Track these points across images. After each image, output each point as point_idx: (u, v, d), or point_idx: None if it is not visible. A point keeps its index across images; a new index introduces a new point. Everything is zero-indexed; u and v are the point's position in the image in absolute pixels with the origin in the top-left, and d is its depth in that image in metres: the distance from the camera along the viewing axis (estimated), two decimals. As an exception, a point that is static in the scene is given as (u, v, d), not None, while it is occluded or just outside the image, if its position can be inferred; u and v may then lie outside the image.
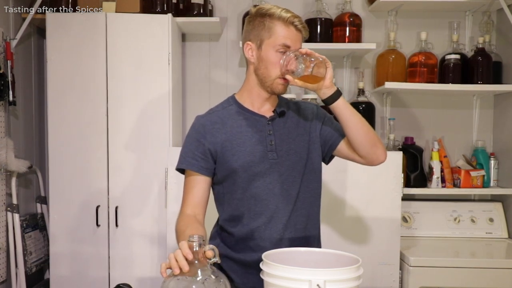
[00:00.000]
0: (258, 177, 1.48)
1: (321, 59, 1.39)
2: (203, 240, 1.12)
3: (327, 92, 1.41)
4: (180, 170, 1.53)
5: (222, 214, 1.57)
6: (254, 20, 1.47)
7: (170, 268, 1.09)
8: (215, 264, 1.12)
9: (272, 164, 1.48)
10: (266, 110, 1.54)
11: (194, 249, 1.09)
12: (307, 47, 2.72)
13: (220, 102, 1.59)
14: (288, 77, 1.41)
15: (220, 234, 1.58)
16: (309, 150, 1.54)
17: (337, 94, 1.42)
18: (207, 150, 1.49)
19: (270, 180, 1.48)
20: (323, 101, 1.44)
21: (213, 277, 1.08)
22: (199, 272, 1.08)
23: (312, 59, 1.38)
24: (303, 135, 1.54)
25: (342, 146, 1.55)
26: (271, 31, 1.43)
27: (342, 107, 1.43)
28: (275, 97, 1.57)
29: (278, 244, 1.46)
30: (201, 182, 1.49)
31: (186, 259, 1.08)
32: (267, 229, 1.48)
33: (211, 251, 1.10)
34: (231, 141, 1.48)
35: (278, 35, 1.43)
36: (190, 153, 1.50)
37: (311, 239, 1.56)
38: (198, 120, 1.55)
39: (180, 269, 1.07)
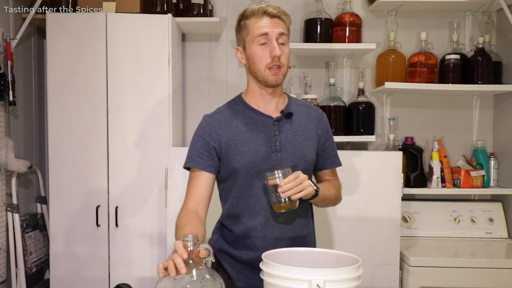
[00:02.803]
0: (259, 177, 1.49)
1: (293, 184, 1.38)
2: (198, 240, 1.12)
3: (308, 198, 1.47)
4: (187, 168, 1.56)
5: (224, 210, 1.60)
6: (237, 27, 1.55)
7: (166, 269, 1.09)
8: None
9: (275, 165, 1.49)
10: (273, 110, 1.55)
11: (189, 248, 1.09)
12: (307, 47, 2.74)
13: (228, 101, 1.63)
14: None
15: (221, 230, 1.61)
16: (312, 153, 1.56)
17: (316, 195, 1.48)
18: (212, 148, 1.52)
19: None
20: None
21: (208, 276, 1.08)
22: (193, 271, 1.08)
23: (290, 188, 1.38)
24: (310, 140, 1.56)
25: (319, 174, 1.65)
26: (248, 29, 1.49)
27: (315, 202, 1.55)
28: (283, 97, 1.59)
29: (273, 244, 1.48)
30: (205, 179, 1.51)
31: (182, 259, 1.08)
32: (263, 229, 1.50)
33: (205, 251, 1.11)
34: (235, 141, 1.50)
35: (253, 28, 1.48)
36: (196, 151, 1.53)
37: (306, 237, 1.58)
38: (205, 119, 1.58)
39: (176, 269, 1.07)
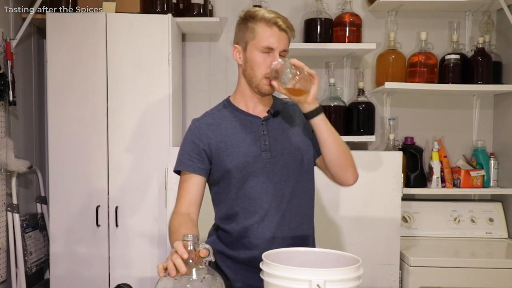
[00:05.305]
0: (252, 177, 1.50)
1: (306, 73, 1.39)
2: (198, 239, 1.13)
3: (308, 108, 1.43)
4: (178, 172, 1.56)
5: (218, 212, 1.60)
6: (241, 24, 1.52)
7: (166, 269, 1.09)
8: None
9: (265, 164, 1.50)
10: (260, 110, 1.57)
11: (189, 248, 1.09)
12: (307, 47, 2.74)
13: (216, 105, 1.63)
14: (274, 83, 1.42)
15: (217, 231, 1.61)
16: (303, 150, 1.56)
17: (317, 111, 1.44)
18: (202, 151, 1.52)
19: (263, 180, 1.50)
20: (303, 114, 1.46)
21: (209, 275, 1.08)
22: (193, 271, 1.08)
23: (298, 72, 1.39)
24: (298, 136, 1.56)
25: (319, 160, 1.59)
26: (255, 33, 1.47)
27: (319, 124, 1.45)
28: (270, 97, 1.59)
29: (271, 242, 1.48)
30: (196, 182, 1.52)
31: (182, 259, 1.08)
32: (260, 228, 1.50)
33: (205, 250, 1.11)
34: (226, 142, 1.51)
35: (261, 36, 1.46)
36: (186, 155, 1.53)
37: (305, 238, 1.58)
38: (194, 123, 1.59)
39: (177, 269, 1.07)
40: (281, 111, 1.58)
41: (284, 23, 1.46)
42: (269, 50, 1.46)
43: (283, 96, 1.67)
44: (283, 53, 1.48)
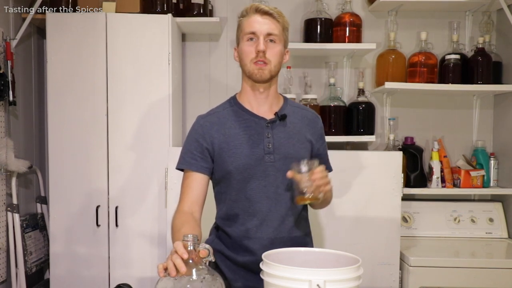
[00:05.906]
0: (253, 179, 1.49)
1: (320, 191, 1.38)
2: (198, 240, 1.12)
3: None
4: (180, 169, 1.56)
5: (219, 212, 1.60)
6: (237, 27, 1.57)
7: (166, 269, 1.09)
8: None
9: (268, 167, 1.49)
10: (266, 111, 1.55)
11: (189, 248, 1.09)
12: (307, 47, 2.73)
13: (222, 102, 1.62)
14: (289, 172, 1.40)
15: (217, 231, 1.61)
16: (306, 158, 1.55)
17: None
18: (206, 150, 1.52)
19: (265, 183, 1.50)
20: None
21: (209, 275, 1.08)
22: (193, 271, 1.08)
23: (313, 191, 1.37)
24: (303, 143, 1.55)
25: None
26: (241, 27, 1.52)
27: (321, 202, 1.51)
28: (277, 98, 1.59)
29: (269, 246, 1.46)
30: (199, 181, 1.51)
31: (182, 259, 1.08)
32: (258, 232, 1.50)
33: (205, 250, 1.11)
34: (228, 143, 1.50)
35: (245, 26, 1.50)
36: (189, 153, 1.53)
37: (303, 241, 1.58)
38: (198, 121, 1.58)
39: (177, 270, 1.07)
40: (289, 114, 1.56)
41: (266, 7, 1.49)
42: (252, 35, 1.48)
43: (288, 96, 1.68)
44: (272, 37, 1.48)
